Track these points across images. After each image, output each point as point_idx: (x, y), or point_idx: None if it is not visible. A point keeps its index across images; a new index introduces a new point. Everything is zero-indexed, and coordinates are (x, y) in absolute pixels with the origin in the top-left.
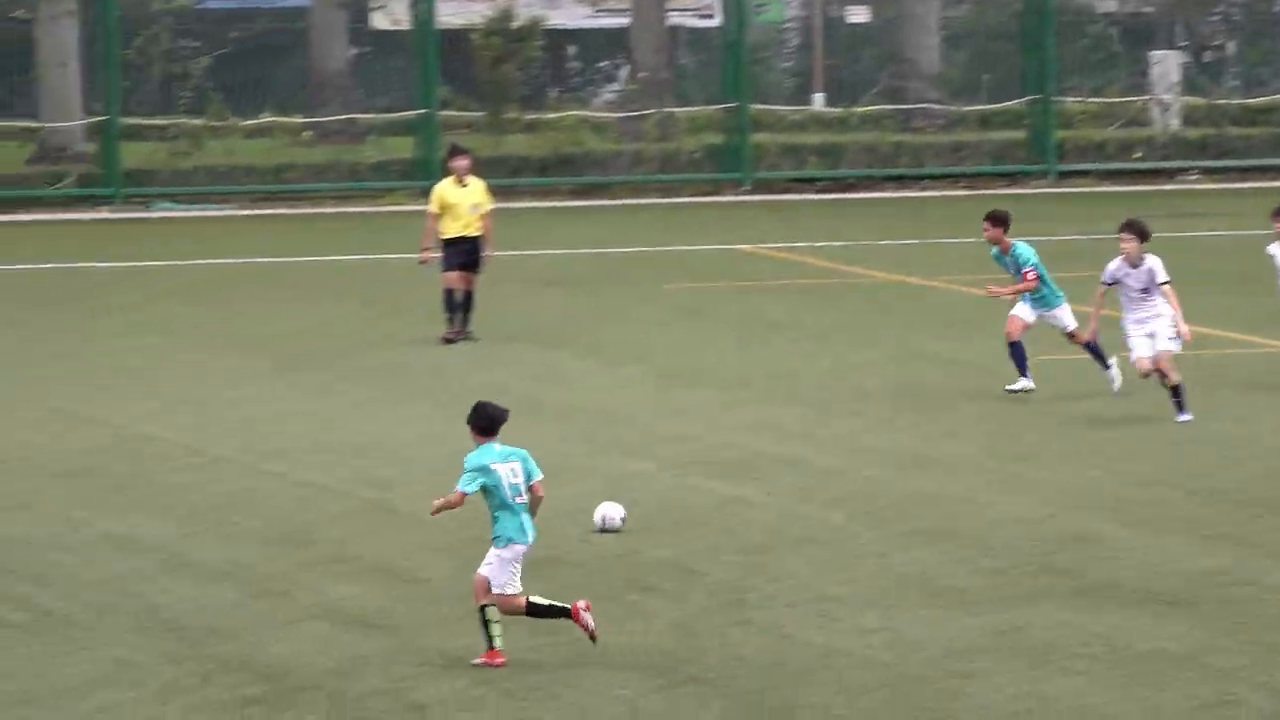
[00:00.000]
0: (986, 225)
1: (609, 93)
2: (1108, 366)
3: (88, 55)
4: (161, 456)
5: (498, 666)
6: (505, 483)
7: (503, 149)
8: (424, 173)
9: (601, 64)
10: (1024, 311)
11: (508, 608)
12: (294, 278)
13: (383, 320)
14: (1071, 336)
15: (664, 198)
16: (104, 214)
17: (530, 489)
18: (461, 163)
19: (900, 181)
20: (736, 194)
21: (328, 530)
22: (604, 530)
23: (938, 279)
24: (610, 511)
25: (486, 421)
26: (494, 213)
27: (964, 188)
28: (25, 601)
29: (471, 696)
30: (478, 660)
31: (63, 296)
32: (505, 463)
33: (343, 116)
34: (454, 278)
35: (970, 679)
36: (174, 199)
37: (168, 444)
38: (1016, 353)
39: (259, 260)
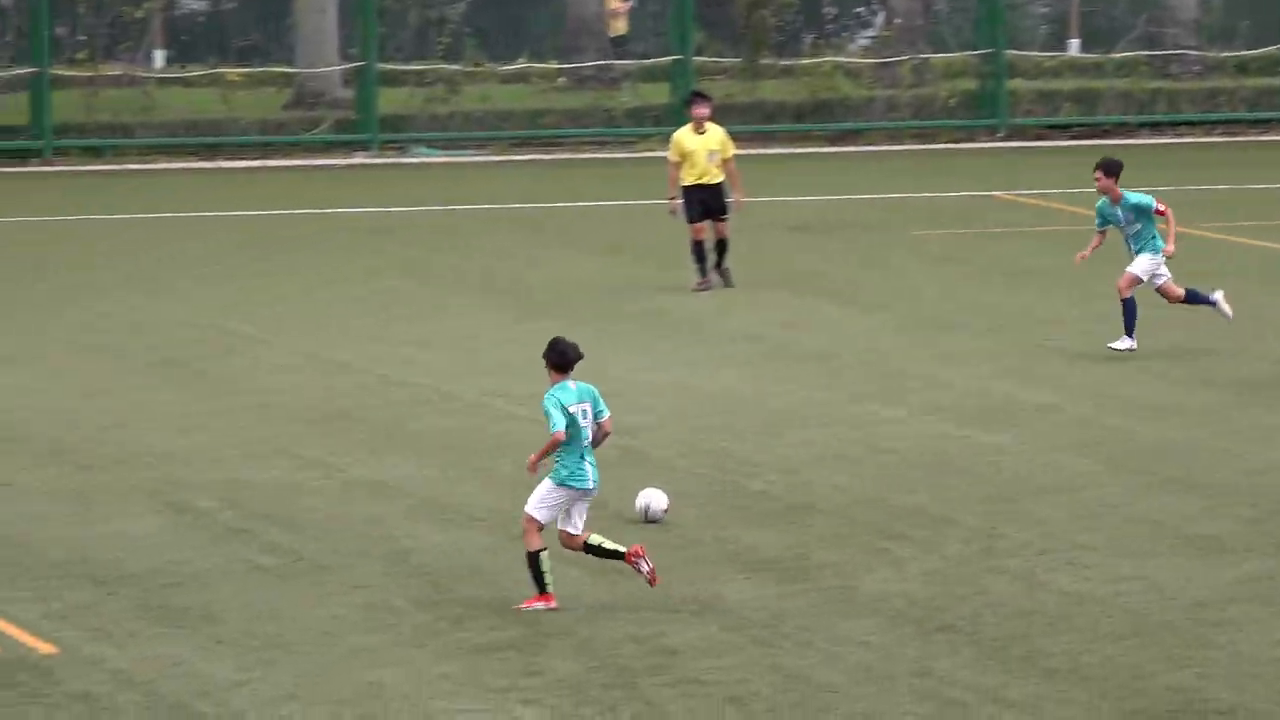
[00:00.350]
0: (1099, 175)
1: (864, 39)
2: (1213, 302)
3: (345, 1)
4: (414, 401)
5: (634, 556)
6: (577, 423)
7: (758, 95)
8: (679, 119)
9: (857, 10)
10: (1141, 265)
11: (527, 531)
12: (549, 223)
13: (637, 267)
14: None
15: (918, 144)
16: (360, 159)
17: (599, 425)
18: (702, 110)
19: (1155, 128)
20: (991, 140)
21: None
22: (647, 520)
23: (1194, 226)
24: (655, 501)
25: (561, 358)
26: (737, 158)
27: (1220, 135)
28: (279, 546)
29: (721, 642)
30: (639, 567)
31: (318, 241)
32: (579, 402)
33: (598, 62)
34: (700, 228)
35: (1222, 627)
36: (430, 144)
37: (421, 388)
38: (1130, 308)
39: (514, 206)
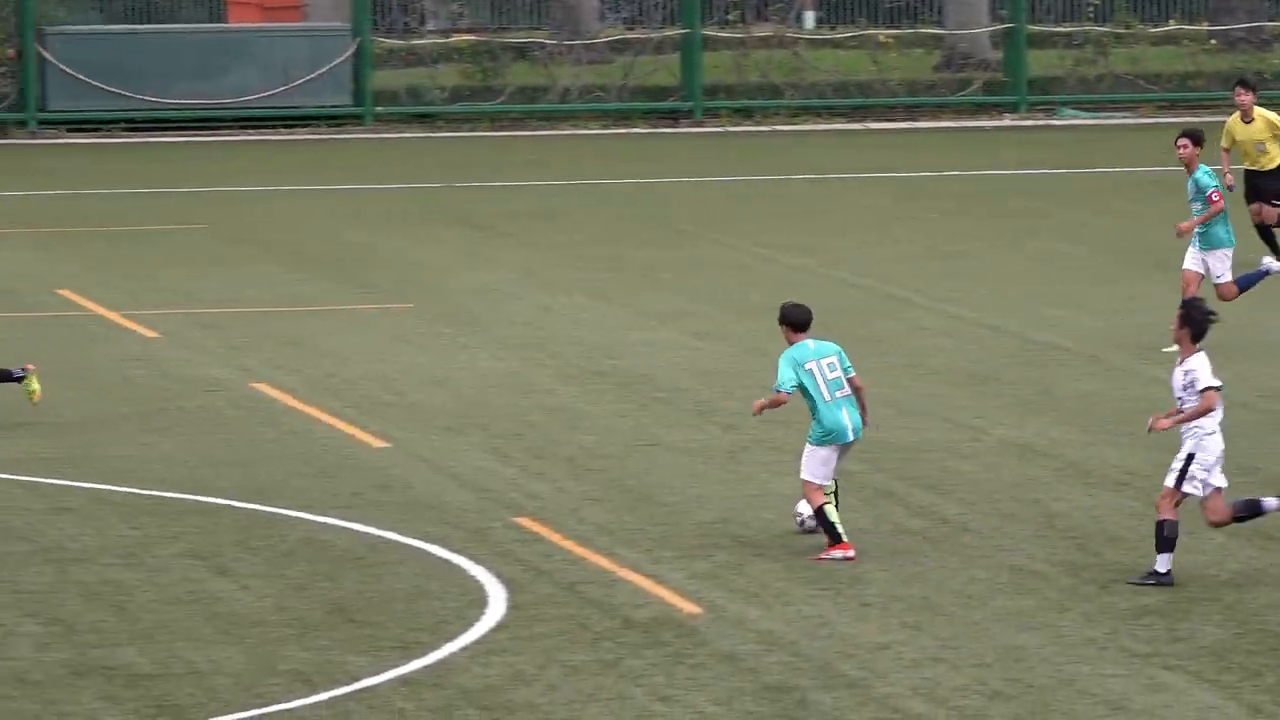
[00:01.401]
0: (1186, 143)
1: None
2: (1264, 271)
3: None
4: (1062, 364)
5: (849, 559)
6: (821, 379)
7: None
8: None
9: None
10: (1195, 261)
11: (809, 497)
12: None
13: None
14: (1220, 292)
15: None
16: (1008, 121)
17: (850, 381)
18: (1243, 98)
19: None
20: None
21: (1227, 442)
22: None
23: None
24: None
25: (797, 319)
26: None
27: None
28: (925, 508)
29: None
30: (823, 555)
31: (968, 203)
32: (821, 359)
33: (1250, 24)
34: (1255, 209)
35: None
36: (1078, 106)
37: (1069, 352)
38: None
39: (1162, 169)
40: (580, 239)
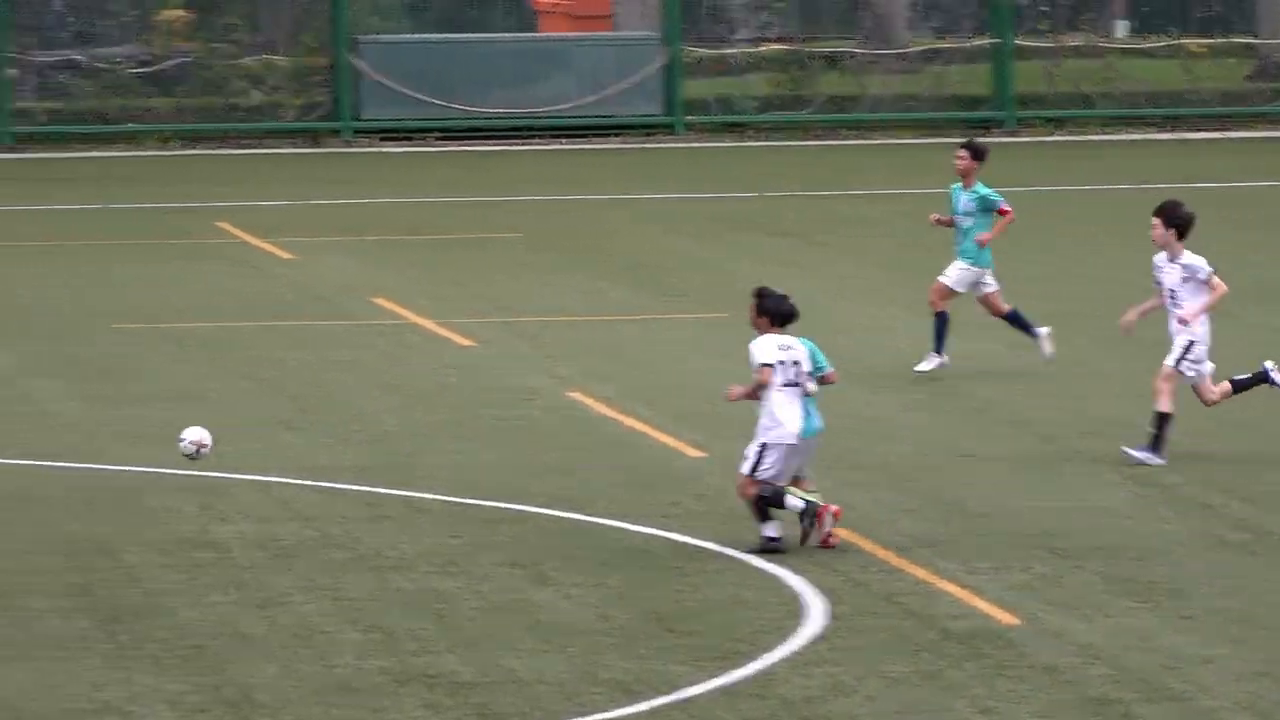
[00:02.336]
0: (965, 155)
1: None
2: (1036, 335)
3: None
4: None
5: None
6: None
7: None
8: None
9: None
10: (953, 275)
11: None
12: None
13: None
14: (986, 301)
15: None
16: None
17: (823, 379)
18: None
19: None
20: None
21: None
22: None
23: None
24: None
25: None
26: None
27: None
28: (1245, 521)
29: None
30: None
31: (1276, 212)
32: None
33: None
34: None
35: None
36: None
37: None
38: (940, 323)
39: None
40: (893, 248)
